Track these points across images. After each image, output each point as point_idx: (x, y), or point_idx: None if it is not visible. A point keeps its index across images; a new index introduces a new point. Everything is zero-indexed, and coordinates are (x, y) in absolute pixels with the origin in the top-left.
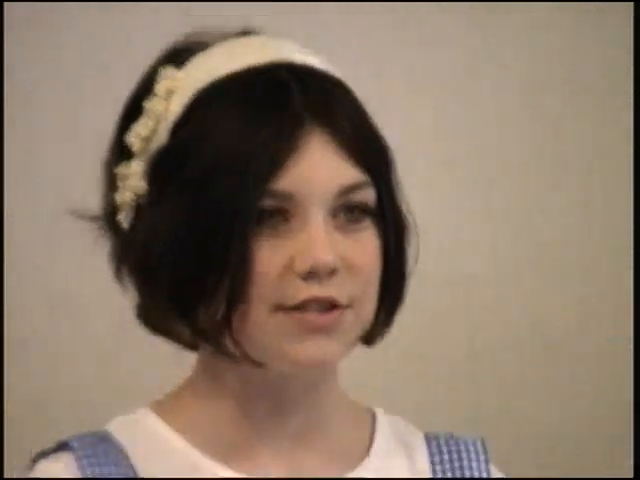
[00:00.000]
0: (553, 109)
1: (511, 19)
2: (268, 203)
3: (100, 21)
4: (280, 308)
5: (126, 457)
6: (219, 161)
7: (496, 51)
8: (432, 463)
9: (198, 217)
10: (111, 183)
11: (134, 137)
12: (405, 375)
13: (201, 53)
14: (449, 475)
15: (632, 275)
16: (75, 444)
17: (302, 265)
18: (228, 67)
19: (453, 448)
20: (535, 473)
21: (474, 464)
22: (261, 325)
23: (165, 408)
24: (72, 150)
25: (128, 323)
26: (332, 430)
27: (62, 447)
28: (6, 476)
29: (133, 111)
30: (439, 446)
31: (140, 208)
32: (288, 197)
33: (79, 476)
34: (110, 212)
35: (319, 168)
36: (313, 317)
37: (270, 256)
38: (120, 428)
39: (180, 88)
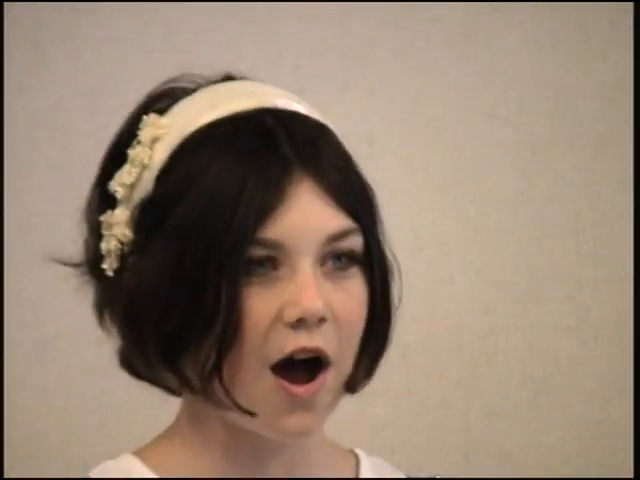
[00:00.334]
0: (543, 137)
1: (505, 44)
2: (257, 252)
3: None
4: (270, 366)
5: None
6: (206, 210)
7: (487, 79)
8: None
9: (186, 267)
10: (94, 230)
11: (118, 185)
12: (392, 413)
13: (184, 99)
14: None
15: (632, 300)
16: None
17: (291, 314)
18: (213, 114)
19: None
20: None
21: None
22: (250, 385)
23: (149, 454)
24: (59, 195)
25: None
26: (316, 473)
27: None
28: (6, 476)
29: (116, 158)
30: None
31: (125, 256)
32: (277, 246)
33: None
34: (94, 259)
35: (308, 216)
36: (299, 389)
37: (260, 306)
38: (104, 475)
39: (165, 135)
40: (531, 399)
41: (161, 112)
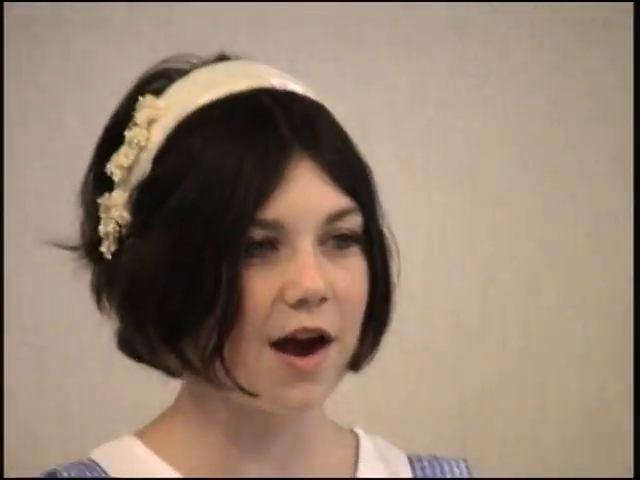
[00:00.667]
0: (538, 131)
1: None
2: (257, 233)
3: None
4: (271, 343)
5: None
6: (205, 191)
7: (484, 74)
8: None
9: (185, 248)
10: (91, 213)
11: (116, 167)
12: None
13: (180, 80)
14: None
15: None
16: (65, 474)
17: (292, 294)
18: (209, 95)
19: (437, 470)
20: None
21: None
22: (252, 363)
23: (151, 435)
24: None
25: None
26: (317, 453)
27: (51, 477)
28: (6, 476)
29: (112, 140)
30: (423, 468)
31: (123, 239)
32: (277, 226)
33: None
34: (91, 242)
35: (307, 196)
36: (299, 360)
37: (261, 287)
38: (106, 455)
39: (161, 117)
40: (528, 379)
41: (156, 93)
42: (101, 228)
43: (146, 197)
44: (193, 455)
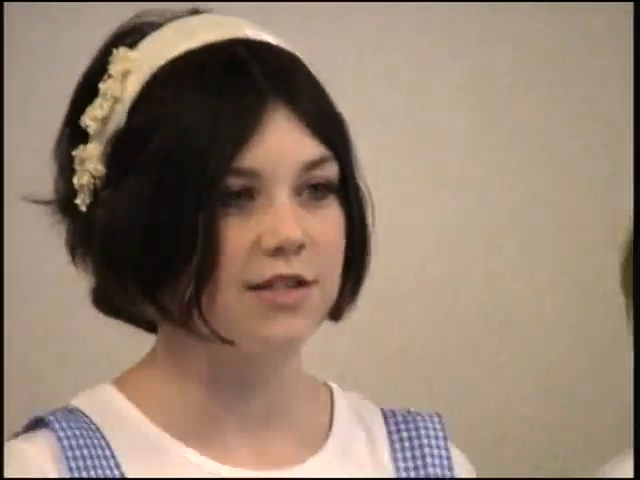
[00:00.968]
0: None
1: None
2: (234, 182)
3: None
4: (248, 287)
5: (98, 431)
6: (181, 141)
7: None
8: (391, 442)
9: (161, 199)
10: (65, 167)
11: (90, 119)
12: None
13: (153, 33)
14: (408, 454)
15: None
16: (52, 419)
17: (269, 242)
18: (183, 46)
19: (411, 425)
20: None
21: (433, 441)
22: (231, 306)
23: (128, 385)
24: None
25: None
26: (295, 408)
27: (39, 424)
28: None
29: (87, 93)
30: (397, 423)
31: (98, 191)
32: (254, 175)
33: (62, 457)
34: (65, 196)
35: (284, 145)
36: (281, 296)
37: (238, 235)
38: (87, 403)
39: (135, 68)
40: (493, 341)
41: (130, 46)
42: (75, 181)
43: (121, 148)
44: (171, 408)
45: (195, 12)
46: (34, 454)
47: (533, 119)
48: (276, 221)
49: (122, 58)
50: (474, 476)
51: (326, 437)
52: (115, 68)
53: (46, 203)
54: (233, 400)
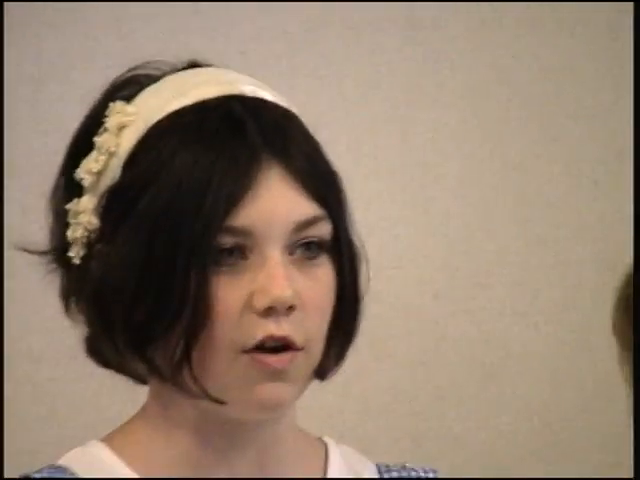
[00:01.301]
0: (491, 122)
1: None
2: (226, 240)
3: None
4: (244, 350)
5: None
6: (174, 197)
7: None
8: None
9: (154, 254)
10: (60, 218)
11: (85, 173)
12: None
13: (150, 87)
14: None
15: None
16: (38, 478)
17: (261, 302)
18: (180, 101)
19: None
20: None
21: None
22: (224, 369)
23: (118, 441)
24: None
25: None
26: (288, 462)
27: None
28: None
29: (82, 146)
30: (392, 478)
31: (92, 244)
32: (246, 233)
33: None
34: (60, 247)
35: (277, 203)
36: (273, 358)
37: (229, 294)
38: (75, 461)
39: (132, 123)
40: (480, 383)
41: (127, 99)
42: (69, 233)
43: (115, 203)
44: (162, 464)
45: (193, 65)
46: None
47: (522, 159)
48: (268, 280)
49: (118, 111)
50: None
51: None
52: (111, 122)
53: (41, 253)
54: (224, 453)
